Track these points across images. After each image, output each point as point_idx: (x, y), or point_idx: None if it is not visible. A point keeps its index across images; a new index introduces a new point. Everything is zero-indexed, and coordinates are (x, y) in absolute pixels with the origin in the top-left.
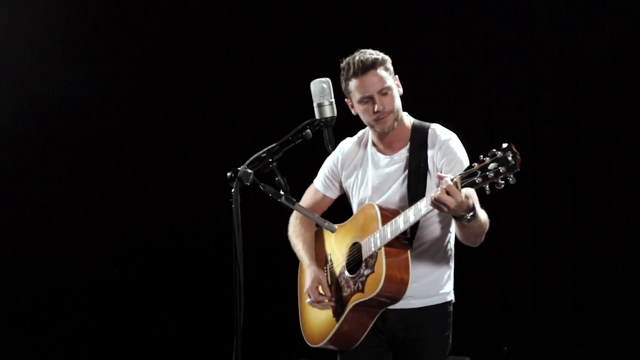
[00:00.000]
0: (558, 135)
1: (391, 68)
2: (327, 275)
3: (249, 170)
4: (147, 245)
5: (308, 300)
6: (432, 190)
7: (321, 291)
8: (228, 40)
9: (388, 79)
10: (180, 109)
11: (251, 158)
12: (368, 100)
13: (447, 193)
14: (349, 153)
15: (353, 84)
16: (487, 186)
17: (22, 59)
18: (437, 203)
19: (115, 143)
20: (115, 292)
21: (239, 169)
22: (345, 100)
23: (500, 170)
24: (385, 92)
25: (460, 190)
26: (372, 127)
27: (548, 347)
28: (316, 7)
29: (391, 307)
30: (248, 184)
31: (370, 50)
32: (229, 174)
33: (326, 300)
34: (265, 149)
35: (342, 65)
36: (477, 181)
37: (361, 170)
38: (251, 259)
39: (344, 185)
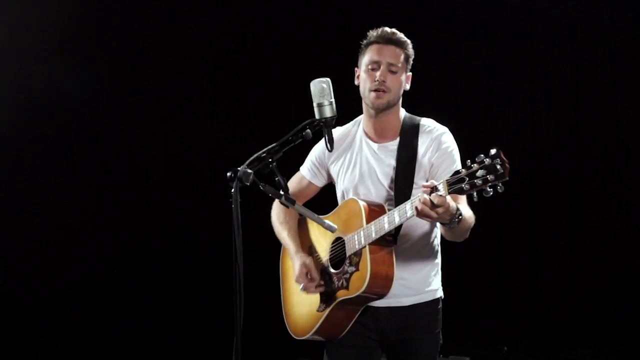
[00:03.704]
0: (558, 135)
1: (410, 62)
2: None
3: (249, 170)
4: (147, 245)
5: (300, 287)
6: (418, 183)
7: (311, 276)
8: (228, 40)
9: (402, 63)
10: (180, 109)
11: (251, 158)
12: (375, 67)
13: (435, 205)
14: (338, 139)
15: (371, 48)
16: (475, 193)
17: (23, 59)
18: (423, 214)
19: (115, 143)
20: (115, 292)
21: (239, 169)
22: (355, 69)
23: (489, 179)
24: (393, 70)
25: (446, 199)
26: (365, 99)
27: (548, 347)
28: (316, 8)
29: (382, 305)
30: (248, 184)
31: (401, 33)
32: (229, 174)
33: (316, 286)
34: (265, 149)
35: (369, 31)
36: (464, 188)
37: (349, 154)
38: (251, 259)
39: (330, 171)
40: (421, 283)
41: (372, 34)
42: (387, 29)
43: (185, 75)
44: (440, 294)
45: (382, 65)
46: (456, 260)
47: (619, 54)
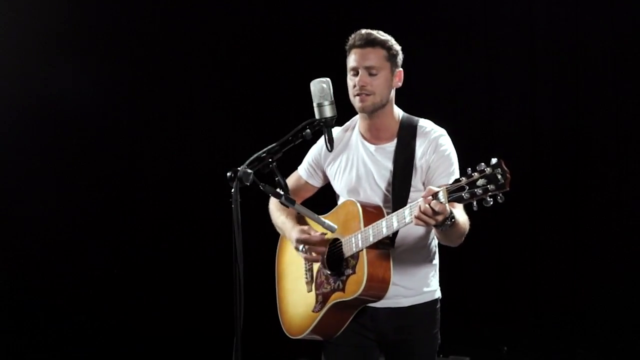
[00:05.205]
0: (558, 135)
1: (398, 58)
2: (306, 266)
3: (249, 170)
4: (147, 245)
5: (300, 248)
6: (416, 186)
7: (311, 233)
8: (228, 40)
9: (382, 63)
10: (180, 108)
11: (251, 158)
12: (354, 73)
13: (436, 212)
14: (335, 140)
15: (350, 53)
16: (475, 202)
17: (22, 59)
18: (421, 221)
19: (115, 143)
20: (115, 292)
21: (239, 169)
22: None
23: (489, 188)
24: (373, 72)
25: (446, 207)
26: (353, 104)
27: (548, 347)
28: (316, 8)
29: (381, 306)
30: (248, 184)
31: (381, 32)
32: (229, 174)
33: (318, 244)
34: (265, 149)
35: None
36: (464, 197)
37: (346, 155)
38: (251, 259)
39: (327, 173)
40: (420, 284)
41: (350, 38)
42: (363, 31)
43: (185, 74)
44: (438, 294)
45: (360, 70)
46: (456, 260)
47: (620, 53)
